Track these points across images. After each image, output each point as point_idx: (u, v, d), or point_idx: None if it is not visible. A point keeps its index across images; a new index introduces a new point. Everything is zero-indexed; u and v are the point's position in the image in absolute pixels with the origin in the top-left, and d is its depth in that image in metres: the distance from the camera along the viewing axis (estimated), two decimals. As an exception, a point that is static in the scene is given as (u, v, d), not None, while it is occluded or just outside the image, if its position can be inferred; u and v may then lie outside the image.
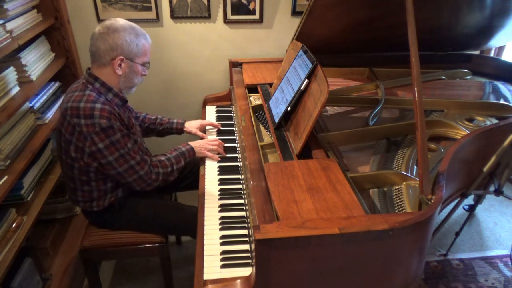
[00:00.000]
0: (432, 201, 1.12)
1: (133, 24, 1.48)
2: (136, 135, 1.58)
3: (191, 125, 1.93)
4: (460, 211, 2.17)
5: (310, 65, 1.49)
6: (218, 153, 1.76)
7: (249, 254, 1.25)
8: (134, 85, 1.56)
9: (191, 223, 1.51)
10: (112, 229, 1.65)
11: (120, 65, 1.44)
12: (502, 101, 1.91)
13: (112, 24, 1.43)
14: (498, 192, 1.86)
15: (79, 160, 1.44)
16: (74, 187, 1.54)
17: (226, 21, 2.35)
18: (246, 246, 1.28)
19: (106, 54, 1.43)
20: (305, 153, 1.41)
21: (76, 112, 1.37)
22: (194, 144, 1.72)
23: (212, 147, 1.74)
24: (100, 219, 1.63)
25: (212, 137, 1.86)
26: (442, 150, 1.58)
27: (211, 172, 1.66)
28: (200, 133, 1.91)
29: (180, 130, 1.93)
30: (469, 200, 2.38)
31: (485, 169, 1.67)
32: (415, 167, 1.46)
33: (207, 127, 1.99)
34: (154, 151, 1.79)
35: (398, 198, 1.32)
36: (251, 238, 1.28)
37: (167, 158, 1.61)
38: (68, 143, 1.42)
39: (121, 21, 1.45)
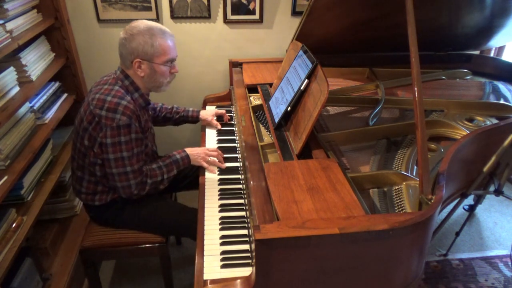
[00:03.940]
0: (432, 201, 1.12)
1: (152, 24, 1.47)
2: (148, 139, 1.60)
3: (207, 114, 1.98)
4: (460, 211, 2.17)
5: (310, 65, 1.49)
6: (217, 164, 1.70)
7: (249, 254, 1.25)
8: (162, 85, 1.57)
9: (191, 225, 1.51)
10: (112, 226, 1.65)
11: (139, 67, 1.48)
12: (502, 101, 1.91)
13: (129, 28, 1.46)
14: (498, 192, 1.86)
15: (90, 149, 1.47)
16: (81, 177, 1.56)
17: (226, 21, 2.35)
18: (246, 246, 1.28)
19: (126, 58, 1.48)
20: (305, 153, 1.41)
21: (101, 104, 1.41)
22: (190, 151, 1.66)
23: (209, 158, 1.67)
24: (101, 214, 1.64)
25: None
26: (442, 150, 1.58)
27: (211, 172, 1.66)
28: (215, 122, 1.97)
29: (195, 118, 1.98)
30: (469, 200, 2.38)
31: (485, 169, 1.67)
32: (415, 167, 1.46)
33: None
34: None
35: (398, 198, 1.32)
36: (251, 238, 1.28)
37: (159, 167, 1.57)
38: (85, 131, 1.45)
39: (139, 24, 1.46)
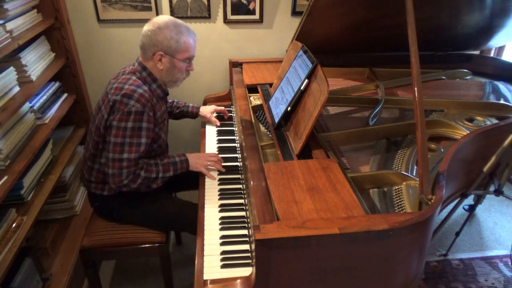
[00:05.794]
0: (432, 201, 1.12)
1: (178, 21, 1.54)
2: (162, 131, 1.62)
3: (206, 110, 2.02)
4: (460, 211, 2.17)
5: (310, 65, 1.49)
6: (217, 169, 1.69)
7: (249, 254, 1.25)
8: (178, 80, 1.62)
9: (192, 219, 1.51)
10: (115, 218, 1.66)
11: (160, 59, 1.52)
12: (502, 101, 1.91)
13: (156, 21, 1.51)
14: (498, 192, 1.86)
15: (101, 135, 1.51)
16: (92, 166, 1.59)
17: (226, 21, 2.35)
18: (246, 246, 1.28)
19: (148, 49, 1.52)
20: (305, 153, 1.41)
21: (119, 91, 1.46)
22: (190, 156, 1.66)
23: (209, 163, 1.66)
24: (107, 205, 1.65)
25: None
26: (442, 150, 1.58)
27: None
28: (213, 118, 2.00)
29: (195, 114, 2.02)
30: (469, 200, 2.38)
31: (485, 169, 1.67)
32: (415, 167, 1.46)
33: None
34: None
35: (398, 198, 1.32)
36: (251, 238, 1.28)
37: (155, 164, 1.57)
38: (101, 118, 1.49)
39: (166, 19, 1.52)
